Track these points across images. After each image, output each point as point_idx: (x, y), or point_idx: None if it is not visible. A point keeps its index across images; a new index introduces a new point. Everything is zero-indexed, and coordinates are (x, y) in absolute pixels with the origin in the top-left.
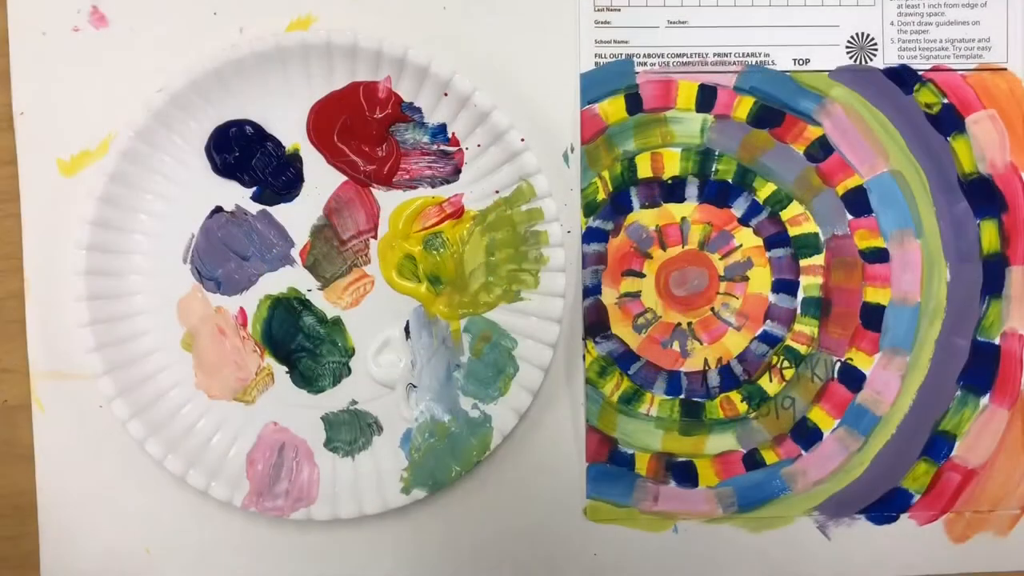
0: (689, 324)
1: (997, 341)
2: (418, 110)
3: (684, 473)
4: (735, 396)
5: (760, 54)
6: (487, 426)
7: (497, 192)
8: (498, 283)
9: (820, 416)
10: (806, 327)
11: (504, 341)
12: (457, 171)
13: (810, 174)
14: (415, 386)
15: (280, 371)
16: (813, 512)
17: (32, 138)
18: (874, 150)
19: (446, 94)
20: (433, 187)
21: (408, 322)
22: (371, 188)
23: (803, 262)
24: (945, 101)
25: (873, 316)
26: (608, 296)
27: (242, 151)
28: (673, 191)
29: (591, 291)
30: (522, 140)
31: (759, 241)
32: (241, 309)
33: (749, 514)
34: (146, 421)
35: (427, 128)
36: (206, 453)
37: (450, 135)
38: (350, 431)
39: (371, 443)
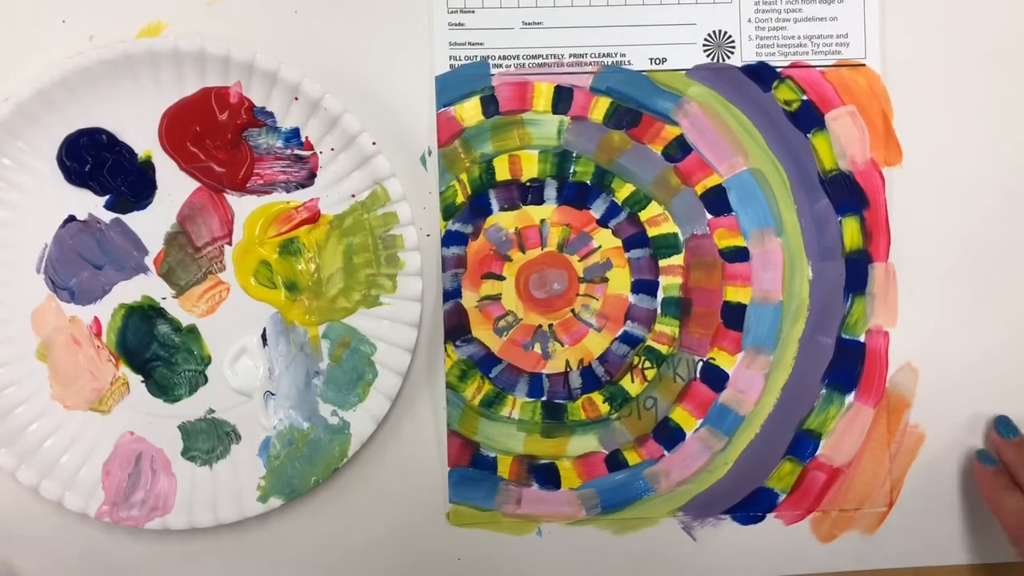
0: (550, 326)
1: (862, 339)
2: (270, 115)
3: (546, 475)
4: (597, 397)
5: (616, 54)
6: (345, 433)
7: (353, 196)
8: (356, 288)
9: (683, 416)
10: (667, 327)
11: (363, 346)
12: (312, 175)
13: (668, 174)
14: (273, 394)
15: (135, 380)
16: (678, 513)
17: None
18: (733, 148)
19: (296, 98)
20: (288, 192)
21: (265, 329)
22: (225, 194)
23: (662, 262)
24: (804, 98)
25: (734, 315)
26: (468, 299)
27: (94, 159)
28: (532, 193)
29: (451, 295)
30: (374, 143)
31: (618, 242)
32: (95, 318)
33: (613, 515)
34: None
35: (280, 132)
36: (60, 464)
37: (303, 139)
38: (207, 440)
39: (229, 451)
